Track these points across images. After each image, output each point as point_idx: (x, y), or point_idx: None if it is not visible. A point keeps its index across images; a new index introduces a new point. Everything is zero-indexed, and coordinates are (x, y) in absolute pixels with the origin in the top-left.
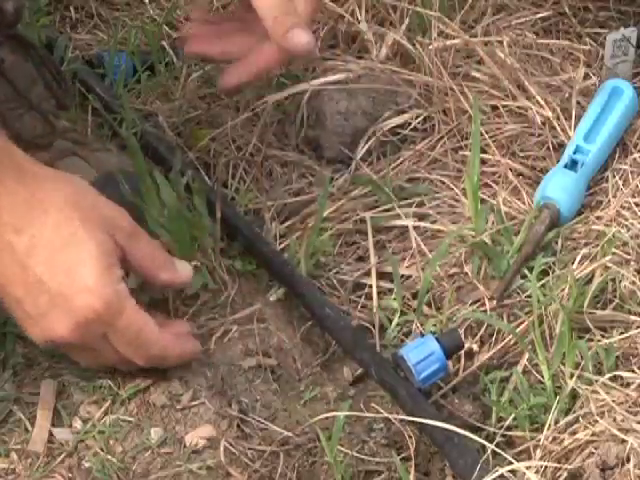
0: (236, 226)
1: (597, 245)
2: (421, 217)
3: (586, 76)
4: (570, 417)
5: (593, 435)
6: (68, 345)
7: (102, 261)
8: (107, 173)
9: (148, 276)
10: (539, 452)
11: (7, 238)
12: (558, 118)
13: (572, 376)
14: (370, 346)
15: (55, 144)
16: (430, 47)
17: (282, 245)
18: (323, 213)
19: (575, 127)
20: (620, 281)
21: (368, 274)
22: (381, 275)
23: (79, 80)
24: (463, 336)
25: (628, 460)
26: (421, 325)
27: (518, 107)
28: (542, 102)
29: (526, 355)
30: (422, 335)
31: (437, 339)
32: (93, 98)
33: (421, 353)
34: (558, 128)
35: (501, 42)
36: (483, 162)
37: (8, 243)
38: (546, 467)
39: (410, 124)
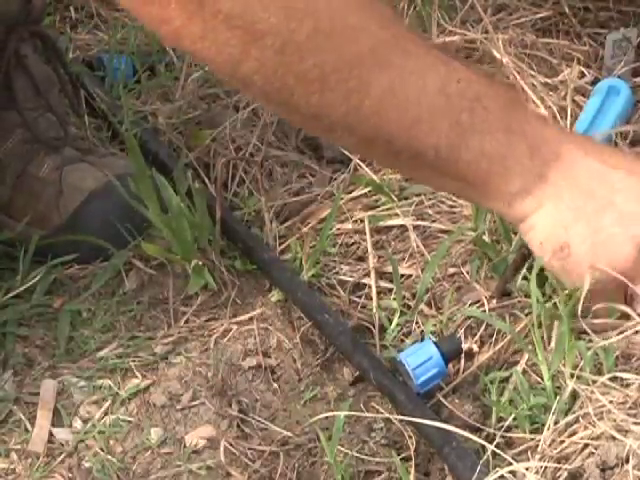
0: (235, 230)
1: None
2: (420, 217)
3: (584, 75)
4: (570, 417)
5: (593, 435)
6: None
7: None
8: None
9: None
10: (539, 452)
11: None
12: (555, 117)
13: (572, 376)
14: (368, 351)
15: (63, 151)
16: None
17: (282, 246)
18: (332, 222)
19: (572, 126)
20: None
21: (368, 274)
22: (381, 275)
23: (79, 83)
24: (463, 336)
25: (628, 460)
26: (422, 325)
27: None
28: (538, 102)
29: (526, 355)
30: (422, 339)
31: (436, 344)
32: (93, 100)
33: (420, 357)
34: None
35: (499, 41)
36: None
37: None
38: (546, 467)
39: None
